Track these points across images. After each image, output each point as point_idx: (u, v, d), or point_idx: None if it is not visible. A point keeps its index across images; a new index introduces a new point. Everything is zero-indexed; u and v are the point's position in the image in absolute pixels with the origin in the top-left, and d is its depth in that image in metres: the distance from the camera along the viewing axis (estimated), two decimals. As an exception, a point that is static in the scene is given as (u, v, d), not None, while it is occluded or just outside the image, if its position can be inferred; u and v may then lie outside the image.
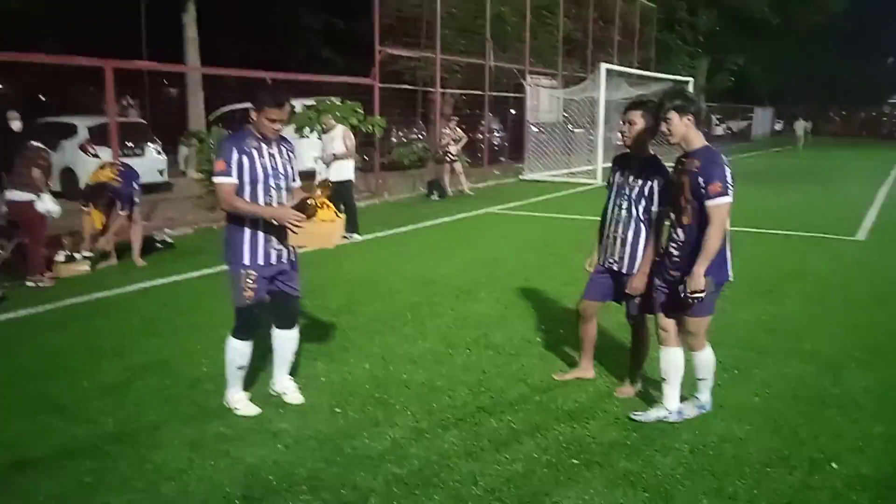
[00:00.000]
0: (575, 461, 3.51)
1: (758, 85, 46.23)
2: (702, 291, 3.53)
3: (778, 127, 52.92)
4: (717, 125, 42.41)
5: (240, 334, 3.94)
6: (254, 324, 3.95)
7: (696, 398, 3.96)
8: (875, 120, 52.11)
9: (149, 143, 14.27)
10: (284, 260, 3.91)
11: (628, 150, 4.10)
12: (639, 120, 3.95)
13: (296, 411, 4.06)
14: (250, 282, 3.80)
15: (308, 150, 14.45)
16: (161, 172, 14.39)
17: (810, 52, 47.77)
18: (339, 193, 9.60)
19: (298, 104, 14.92)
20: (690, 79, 23.91)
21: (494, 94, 18.83)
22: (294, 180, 3.96)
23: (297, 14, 24.18)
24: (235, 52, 20.80)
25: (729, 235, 3.64)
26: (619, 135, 4.14)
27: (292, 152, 3.96)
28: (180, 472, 3.38)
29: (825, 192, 15.67)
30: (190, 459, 3.49)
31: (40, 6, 18.68)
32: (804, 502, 3.19)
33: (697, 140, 3.62)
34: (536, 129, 19.82)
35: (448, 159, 14.73)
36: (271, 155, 3.80)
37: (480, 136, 19.53)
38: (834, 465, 3.49)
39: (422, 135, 19.26)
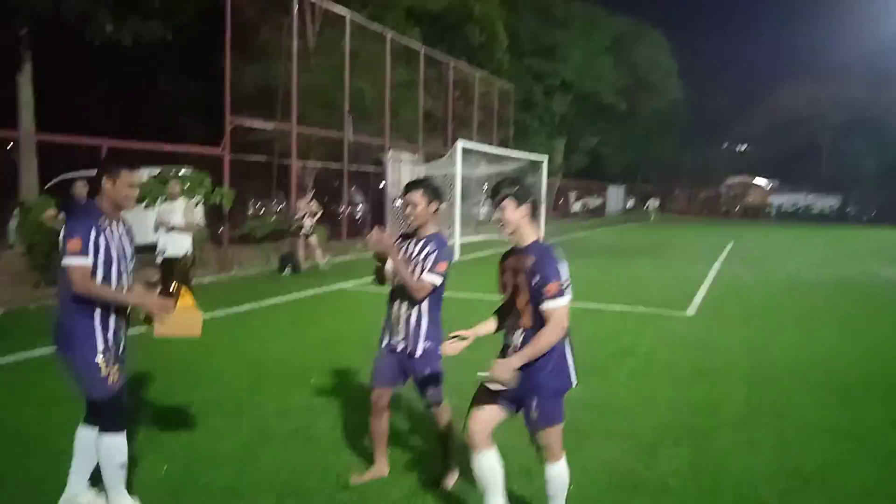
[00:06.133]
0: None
1: (610, 164, 49.60)
2: (500, 384, 3.26)
3: (630, 204, 56.72)
4: (574, 202, 44.84)
5: (114, 427, 3.54)
6: (125, 412, 3.62)
7: None
8: (714, 199, 57.01)
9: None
10: (125, 347, 3.65)
11: (411, 230, 4.05)
12: (421, 200, 3.93)
13: (65, 528, 3.56)
14: (111, 365, 3.48)
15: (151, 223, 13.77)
16: (-19, 244, 13.12)
17: (655, 135, 52.22)
18: (175, 270, 9.07)
19: (145, 173, 14.26)
20: (545, 157, 25.09)
21: (354, 167, 18.88)
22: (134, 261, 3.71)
23: (155, 78, 23.42)
24: (84, 116, 19.76)
25: (570, 338, 3.41)
26: (406, 216, 4.02)
27: (130, 231, 3.72)
28: None
29: (665, 267, 16.66)
30: None
31: None
32: None
33: (532, 234, 3.38)
34: (399, 204, 19.98)
35: (303, 233, 14.44)
36: (120, 235, 3.55)
37: (342, 209, 19.43)
38: (635, 558, 3.45)
39: (281, 206, 18.91)
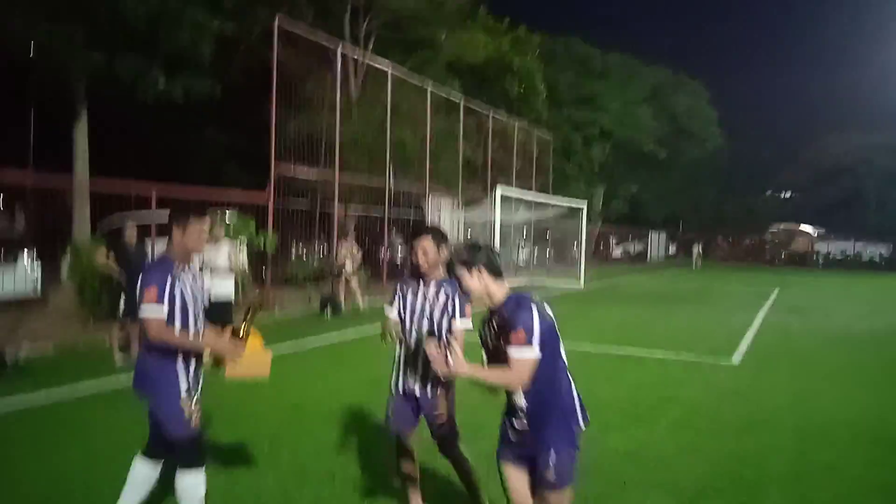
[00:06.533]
0: None
1: (651, 211, 49.27)
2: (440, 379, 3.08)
3: (672, 251, 56.06)
4: (614, 247, 44.52)
5: (195, 463, 3.68)
6: (203, 449, 3.78)
7: None
8: (758, 246, 55.91)
9: (23, 254, 13.54)
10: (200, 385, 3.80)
11: (422, 273, 4.06)
12: (431, 247, 3.98)
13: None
14: (193, 405, 3.65)
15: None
16: (34, 284, 13.56)
17: (696, 182, 51.84)
18: (219, 313, 9.19)
19: (192, 218, 14.69)
20: (584, 202, 25.08)
21: (395, 213, 19.13)
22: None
23: (203, 130, 24.20)
24: (134, 163, 20.43)
25: (573, 385, 3.23)
26: (418, 262, 4.01)
27: (199, 275, 3.88)
28: None
29: (708, 314, 16.33)
30: None
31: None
32: None
33: (499, 291, 3.21)
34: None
35: (344, 276, 14.60)
36: (191, 280, 3.71)
37: (382, 253, 19.64)
38: None
39: (323, 250, 19.18)
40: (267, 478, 4.86)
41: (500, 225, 18.39)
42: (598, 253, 41.14)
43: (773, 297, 21.80)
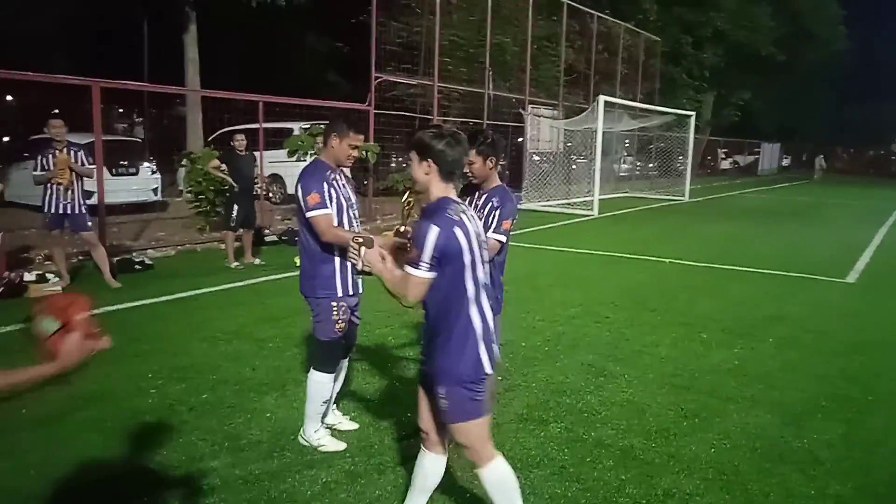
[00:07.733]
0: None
1: (764, 120, 46.32)
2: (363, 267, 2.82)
3: (785, 162, 52.90)
4: (722, 159, 42.43)
5: (327, 367, 3.95)
6: (339, 356, 4.01)
7: None
8: (883, 159, 51.88)
9: (144, 162, 14.33)
10: (360, 290, 3.98)
11: (476, 184, 3.94)
12: (476, 158, 3.84)
13: (231, 449, 3.94)
14: (343, 313, 3.83)
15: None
16: (155, 191, 14.42)
17: (815, 89, 47.99)
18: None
19: (296, 127, 15.05)
20: (692, 113, 23.88)
21: (493, 122, 18.88)
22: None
23: (304, 38, 24.38)
24: (239, 73, 20.95)
25: (482, 309, 2.79)
26: (468, 174, 3.89)
27: (350, 180, 4.03)
28: (97, 511, 3.27)
29: (824, 231, 15.51)
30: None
31: (49, 28, 19.00)
32: (741, 567, 3.04)
33: (435, 191, 2.78)
34: (538, 158, 19.82)
35: (442, 186, 14.69)
36: (343, 184, 3.85)
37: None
38: (778, 527, 3.34)
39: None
40: (373, 380, 5.13)
41: (603, 135, 17.85)
42: (705, 165, 39.37)
43: (896, 213, 20.40)
